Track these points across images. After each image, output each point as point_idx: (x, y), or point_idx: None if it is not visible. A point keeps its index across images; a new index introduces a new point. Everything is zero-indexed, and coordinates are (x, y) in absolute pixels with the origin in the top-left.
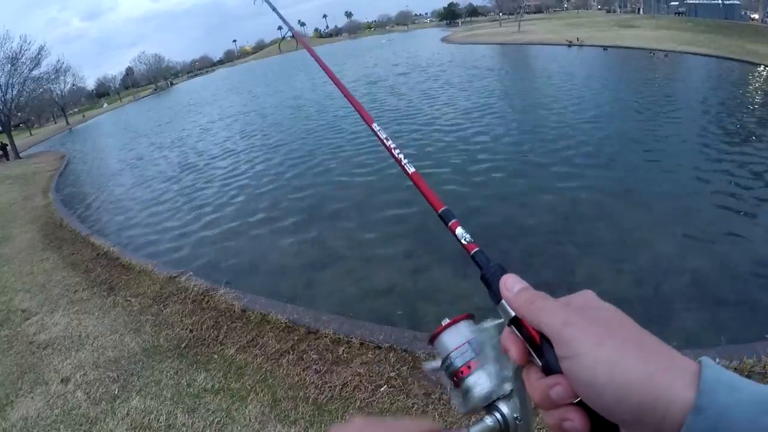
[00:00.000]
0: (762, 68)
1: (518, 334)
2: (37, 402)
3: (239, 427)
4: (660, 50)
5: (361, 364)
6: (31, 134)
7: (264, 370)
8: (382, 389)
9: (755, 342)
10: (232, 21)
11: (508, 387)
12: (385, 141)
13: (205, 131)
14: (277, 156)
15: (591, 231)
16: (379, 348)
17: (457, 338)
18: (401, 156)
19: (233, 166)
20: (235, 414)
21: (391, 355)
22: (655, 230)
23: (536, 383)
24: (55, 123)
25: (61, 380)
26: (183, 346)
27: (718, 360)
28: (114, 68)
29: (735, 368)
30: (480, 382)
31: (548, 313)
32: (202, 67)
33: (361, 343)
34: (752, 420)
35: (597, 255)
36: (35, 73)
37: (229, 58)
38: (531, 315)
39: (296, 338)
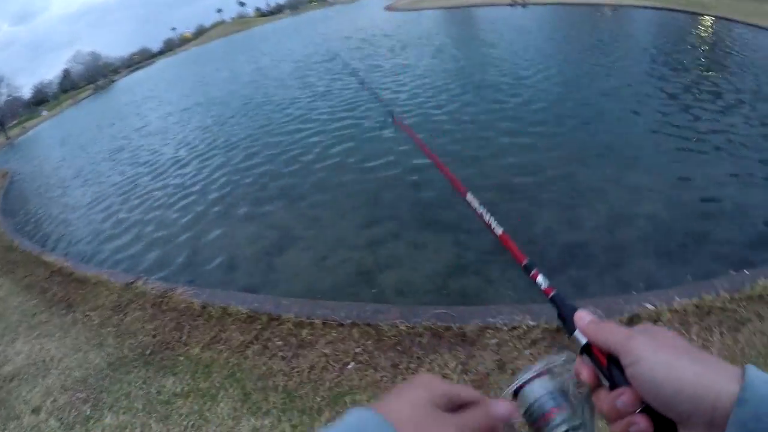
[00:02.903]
0: (706, 18)
1: (589, 361)
2: None
3: (213, 427)
4: (607, 5)
5: (326, 344)
6: None
7: (231, 364)
8: (350, 366)
9: (713, 278)
10: (167, 8)
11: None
12: (477, 210)
13: (144, 130)
14: (221, 148)
15: (545, 185)
16: (342, 325)
17: (538, 390)
18: (491, 220)
19: (177, 163)
20: (207, 414)
21: (355, 330)
22: (608, 180)
23: (605, 398)
24: None
25: (32, 411)
26: (148, 353)
27: (678, 299)
28: (50, 72)
29: (696, 305)
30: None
31: (615, 332)
32: (141, 60)
33: (324, 323)
34: None
35: (553, 208)
36: None
37: (170, 47)
38: (601, 336)
39: (259, 327)
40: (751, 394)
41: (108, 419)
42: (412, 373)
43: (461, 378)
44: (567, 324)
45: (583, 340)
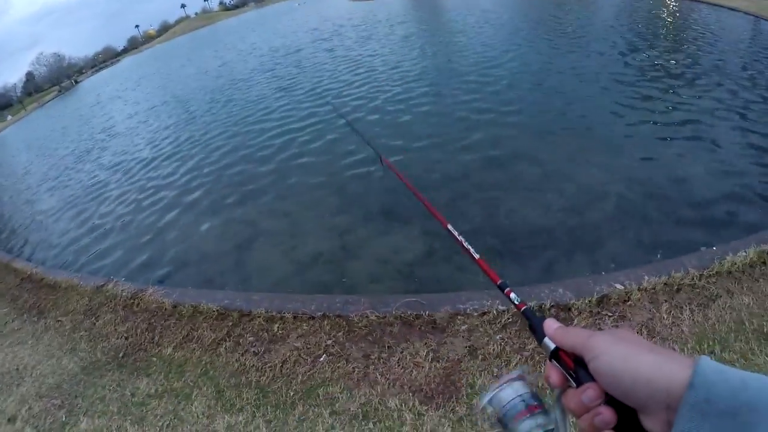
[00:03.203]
0: None
1: (557, 365)
2: None
3: (189, 426)
4: None
5: (297, 337)
6: None
7: (203, 363)
8: (322, 359)
9: (682, 256)
10: (130, 5)
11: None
12: (458, 237)
13: (110, 131)
14: (188, 146)
15: (513, 170)
16: (313, 318)
17: (511, 394)
18: (469, 246)
19: (143, 163)
20: (182, 414)
21: (326, 323)
22: (575, 162)
23: (572, 396)
24: None
25: (8, 420)
26: (121, 355)
27: (647, 278)
28: (13, 75)
29: (665, 283)
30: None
31: (578, 333)
32: (106, 59)
33: (295, 317)
34: (734, 394)
35: (522, 192)
36: None
37: (134, 45)
38: (566, 339)
39: (230, 324)
40: (700, 380)
41: (84, 424)
42: (384, 363)
43: (432, 365)
44: (537, 333)
45: (552, 346)
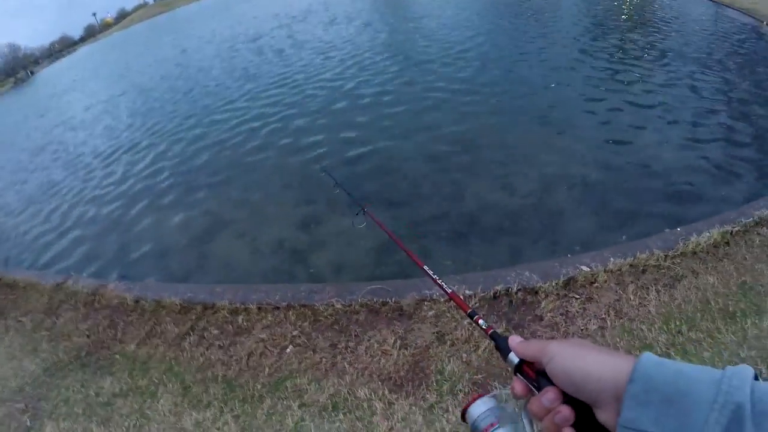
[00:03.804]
0: None
1: (521, 377)
2: None
3: (156, 425)
4: None
5: (262, 329)
6: None
7: (168, 358)
8: (288, 350)
9: (647, 238)
10: None
11: None
12: (432, 276)
13: (66, 124)
14: (147, 138)
15: (475, 154)
16: (278, 308)
17: (482, 407)
18: (442, 283)
19: (101, 157)
20: (148, 412)
21: (291, 313)
22: (538, 145)
23: (534, 401)
24: None
25: None
26: (83, 354)
27: (613, 259)
28: None
29: (631, 264)
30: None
31: (536, 343)
32: (62, 48)
33: (259, 308)
34: (672, 382)
35: (485, 176)
36: None
37: (91, 33)
38: (528, 349)
39: (194, 317)
40: (639, 374)
41: (48, 428)
42: (352, 352)
43: (401, 353)
44: (503, 351)
45: (515, 360)
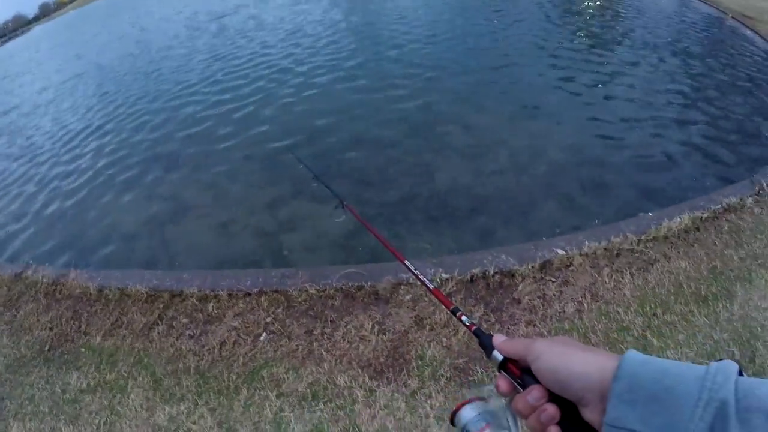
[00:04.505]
0: None
1: (505, 374)
2: None
3: (127, 421)
4: None
5: (234, 316)
6: None
7: (136, 350)
8: (262, 338)
9: (620, 221)
10: None
11: None
12: (414, 271)
13: (18, 109)
14: (105, 121)
15: (444, 138)
16: (249, 295)
17: (471, 412)
18: (425, 279)
19: (57, 141)
20: (119, 408)
21: (263, 299)
22: (507, 128)
23: (519, 399)
24: None
25: None
26: (47, 348)
27: (587, 243)
28: None
29: (605, 248)
30: None
31: (521, 341)
32: (16, 27)
33: (230, 294)
34: (657, 380)
35: (455, 160)
36: None
37: (45, 12)
38: (512, 348)
39: (161, 306)
40: (624, 372)
41: (14, 429)
42: (329, 339)
43: (379, 338)
44: (486, 348)
45: (500, 358)
